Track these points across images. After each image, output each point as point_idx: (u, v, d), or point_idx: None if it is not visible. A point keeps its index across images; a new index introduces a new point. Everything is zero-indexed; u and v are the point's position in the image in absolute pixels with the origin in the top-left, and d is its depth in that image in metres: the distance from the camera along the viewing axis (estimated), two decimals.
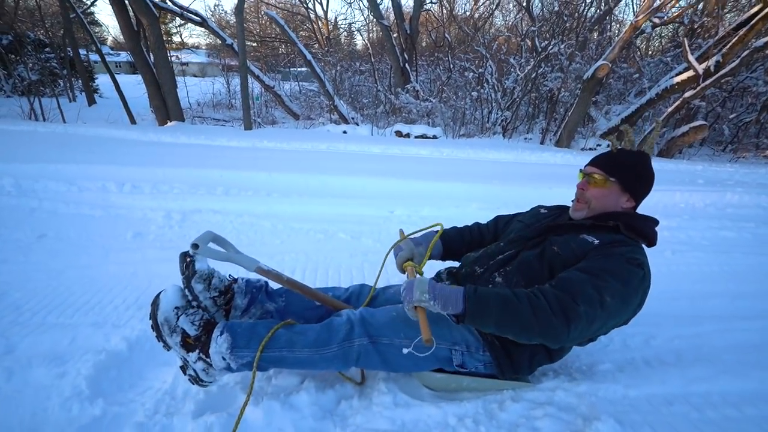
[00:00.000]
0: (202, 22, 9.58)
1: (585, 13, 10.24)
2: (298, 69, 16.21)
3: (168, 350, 1.19)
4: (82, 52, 13.89)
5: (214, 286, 1.25)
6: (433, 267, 1.73)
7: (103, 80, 14.14)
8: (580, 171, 1.30)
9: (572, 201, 1.31)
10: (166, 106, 8.58)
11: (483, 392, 1.24)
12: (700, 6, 9.49)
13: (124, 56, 19.98)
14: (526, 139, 9.99)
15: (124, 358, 1.44)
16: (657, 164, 1.47)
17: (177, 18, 11.95)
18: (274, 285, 1.40)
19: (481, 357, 1.21)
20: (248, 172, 4.05)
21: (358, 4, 19.56)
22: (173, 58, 12.09)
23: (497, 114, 10.05)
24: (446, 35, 12.62)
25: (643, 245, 1.19)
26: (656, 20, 8.14)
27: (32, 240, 2.43)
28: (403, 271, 1.37)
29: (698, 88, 7.43)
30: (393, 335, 1.16)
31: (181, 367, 1.20)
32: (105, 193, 3.33)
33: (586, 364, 1.40)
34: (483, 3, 16.77)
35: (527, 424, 1.13)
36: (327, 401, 1.23)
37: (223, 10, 20.21)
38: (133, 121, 9.11)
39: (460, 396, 1.24)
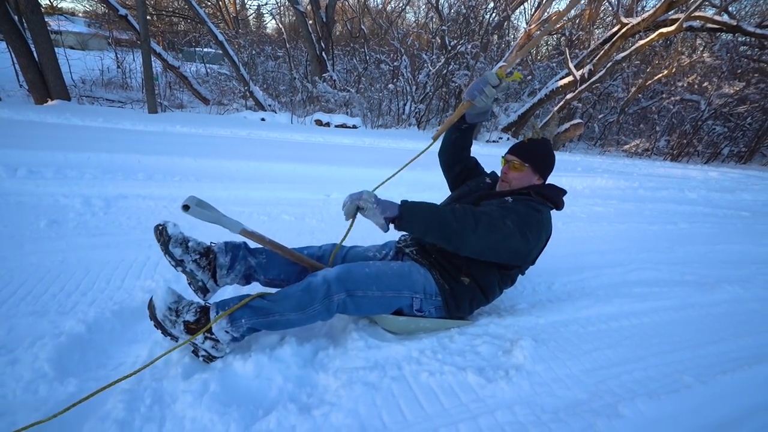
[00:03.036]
0: None
1: (488, 19, 11.31)
2: (204, 49, 14.97)
3: (176, 341, 1.29)
4: None
5: (192, 249, 1.32)
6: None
7: None
8: (502, 158, 1.66)
9: (500, 178, 1.68)
10: (45, 82, 7.35)
11: (435, 331, 1.53)
12: (577, 21, 11.20)
13: None
14: (438, 130, 10.77)
15: (85, 339, 1.42)
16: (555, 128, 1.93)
17: None
18: (252, 243, 1.50)
19: (433, 301, 1.50)
20: (169, 157, 3.81)
21: None
22: None
23: (411, 106, 10.65)
24: (362, 26, 12.83)
25: (552, 209, 1.58)
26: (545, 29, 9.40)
27: None
28: (348, 217, 1.37)
29: (576, 92, 8.83)
30: (366, 288, 1.38)
31: (193, 352, 1.31)
32: None
33: (508, 305, 1.79)
34: None
35: (471, 350, 1.44)
36: (306, 352, 1.40)
37: None
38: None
39: (418, 335, 1.51)
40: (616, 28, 8.66)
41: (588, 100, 11.32)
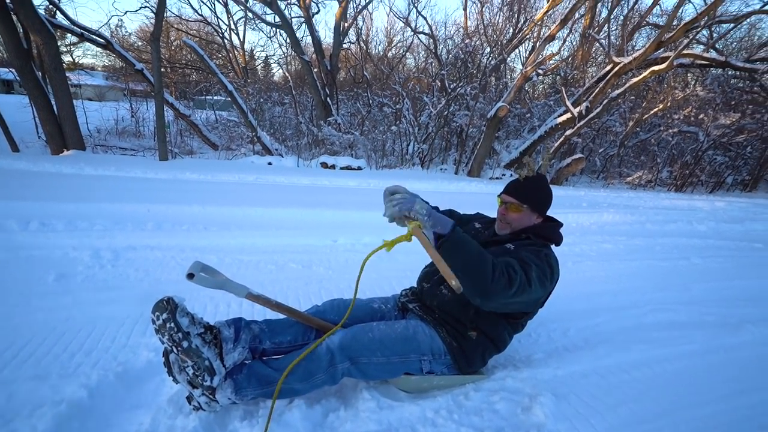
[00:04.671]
0: (107, 45, 8.90)
1: (485, 62, 11.81)
2: (214, 97, 15.67)
3: (176, 384, 1.27)
4: None
5: (197, 321, 1.29)
6: (394, 287, 1.94)
7: None
8: (498, 197, 1.62)
9: (497, 219, 1.62)
10: (62, 133, 7.66)
11: (449, 388, 1.47)
12: (571, 60, 11.64)
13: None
14: (441, 169, 10.93)
15: (86, 406, 1.37)
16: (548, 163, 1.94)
17: (69, 35, 10.85)
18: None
19: (443, 361, 1.45)
20: (178, 206, 3.88)
21: (277, 39, 19.75)
22: None
23: (415, 147, 10.89)
24: (364, 73, 13.42)
25: (552, 246, 1.54)
26: (540, 71, 9.76)
27: None
28: (392, 220, 1.28)
29: (575, 128, 9.01)
30: (371, 355, 1.35)
31: (187, 398, 1.28)
32: (6, 233, 2.93)
33: (524, 355, 1.72)
34: (395, 45, 18.29)
35: (489, 407, 1.37)
36: (316, 415, 1.33)
37: (126, 32, 18.75)
38: (15, 148, 7.91)
39: (432, 394, 1.44)
40: (609, 67, 8.97)
41: (587, 135, 11.52)
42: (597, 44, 11.78)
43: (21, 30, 7.19)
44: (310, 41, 11.96)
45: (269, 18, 13.23)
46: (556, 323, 2.00)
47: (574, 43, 13.50)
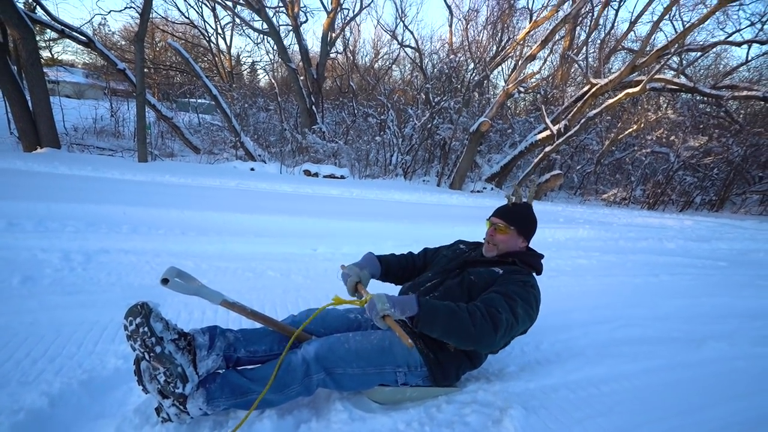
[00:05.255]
0: (89, 43, 8.71)
1: (469, 78, 12.09)
2: (198, 100, 15.48)
3: (146, 393, 1.24)
4: None
5: (172, 327, 1.27)
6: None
7: None
8: (487, 220, 1.71)
9: (484, 240, 1.71)
10: (36, 130, 7.41)
11: (422, 400, 1.48)
12: (551, 80, 12.04)
13: None
14: (424, 181, 11.06)
15: (46, 415, 1.31)
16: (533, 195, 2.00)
17: (49, 31, 10.57)
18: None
19: (419, 373, 1.46)
20: (155, 209, 3.79)
21: (264, 46, 19.73)
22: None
23: (398, 157, 11.00)
24: (350, 82, 13.53)
25: (534, 274, 1.63)
26: (521, 89, 10.07)
27: None
28: (353, 293, 1.59)
29: (554, 145, 9.29)
30: (346, 366, 1.35)
31: (156, 409, 1.24)
32: None
33: (497, 368, 1.75)
34: (382, 57, 18.53)
35: (460, 420, 1.39)
36: (287, 426, 1.32)
37: (109, 30, 18.39)
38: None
39: (404, 405, 1.45)
40: (586, 88, 9.34)
41: (566, 152, 11.89)
42: (576, 65, 12.25)
43: None
44: (298, 49, 12.02)
45: (257, 24, 13.22)
46: (529, 337, 2.02)
47: (554, 64, 14.00)
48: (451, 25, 13.84)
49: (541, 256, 1.69)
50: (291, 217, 4.13)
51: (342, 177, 9.44)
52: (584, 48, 11.52)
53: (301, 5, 11.96)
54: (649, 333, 2.29)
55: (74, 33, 8.54)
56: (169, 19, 16.72)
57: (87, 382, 1.47)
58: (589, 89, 9.18)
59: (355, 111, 12.45)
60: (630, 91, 8.35)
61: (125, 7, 12.55)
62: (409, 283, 1.74)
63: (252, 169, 8.77)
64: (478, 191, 9.97)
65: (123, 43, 17.61)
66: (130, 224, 3.28)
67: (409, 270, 1.84)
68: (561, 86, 11.86)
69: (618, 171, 12.44)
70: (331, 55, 13.42)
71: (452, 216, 5.47)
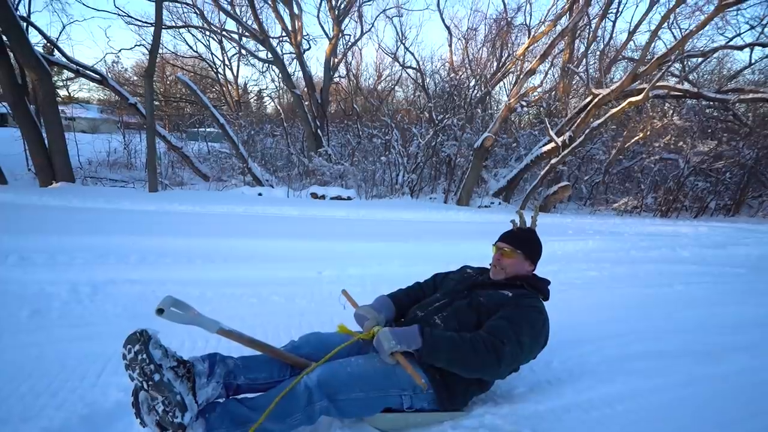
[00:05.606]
0: (102, 80, 9.09)
1: (470, 95, 12.24)
2: (207, 129, 15.91)
3: (144, 427, 1.21)
4: None
5: (170, 354, 1.25)
6: None
7: None
8: (494, 245, 1.73)
9: (490, 265, 1.73)
10: (52, 165, 7.67)
11: (427, 426, 1.43)
12: (553, 93, 12.12)
13: None
14: (431, 198, 11.06)
15: None
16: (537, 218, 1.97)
17: (65, 71, 11.06)
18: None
19: (425, 396, 1.42)
20: (163, 238, 3.85)
21: (270, 74, 20.35)
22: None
23: (404, 176, 11.05)
24: (354, 105, 13.79)
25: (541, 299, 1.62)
26: (523, 103, 10.13)
27: None
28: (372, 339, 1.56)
29: (560, 156, 9.25)
30: (349, 391, 1.32)
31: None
32: None
33: (505, 390, 1.69)
34: (384, 79, 18.90)
35: None
36: None
37: (122, 68, 19.23)
38: (3, 181, 7.88)
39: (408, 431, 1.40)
40: (589, 98, 9.35)
41: (573, 162, 11.82)
42: (577, 77, 12.32)
43: (17, 66, 7.33)
44: (302, 75, 12.37)
45: (262, 54, 13.68)
46: (540, 354, 1.97)
47: (556, 76, 14.12)
48: (450, 45, 14.13)
49: (548, 282, 1.69)
50: (297, 241, 4.15)
51: (349, 198, 9.50)
52: (584, 60, 11.61)
53: (304, 34, 12.37)
54: (665, 346, 2.20)
55: (88, 72, 8.94)
56: (179, 53, 17.41)
57: (87, 417, 1.46)
58: (592, 99, 9.19)
59: (360, 132, 12.63)
60: (633, 99, 8.34)
61: (135, 45, 13.13)
62: (419, 304, 1.73)
63: (260, 194, 8.89)
64: (485, 206, 9.92)
65: (135, 78, 18.31)
66: (139, 254, 3.32)
67: (420, 301, 1.83)
68: (563, 98, 11.91)
69: (627, 179, 12.29)
70: (334, 79, 13.74)
71: (460, 233, 5.44)
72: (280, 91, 19.03)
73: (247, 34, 11.93)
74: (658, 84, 8.42)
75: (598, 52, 12.42)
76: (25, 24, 8.41)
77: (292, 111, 15.60)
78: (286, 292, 2.77)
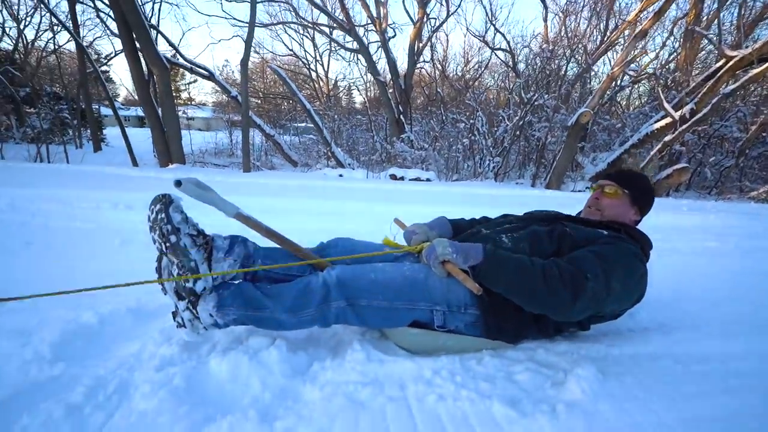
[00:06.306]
0: (210, 76, 10.26)
1: (565, 69, 11.05)
2: (299, 124, 17.06)
3: (165, 294, 1.23)
4: (95, 106, 14.63)
5: (192, 223, 1.22)
6: None
7: (111, 133, 14.70)
8: (592, 187, 1.41)
9: (585, 207, 1.41)
10: (169, 150, 8.89)
11: (460, 352, 1.20)
12: (670, 66, 10.31)
13: (134, 111, 21.12)
14: (517, 183, 10.27)
15: (94, 331, 1.40)
16: None
17: (186, 75, 12.80)
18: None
19: (461, 317, 1.19)
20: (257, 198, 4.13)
21: (357, 65, 21.05)
22: (180, 113, 12.73)
23: (489, 160, 10.42)
24: (438, 90, 13.46)
25: None
26: (632, 73, 8.77)
27: (19, 247, 2.43)
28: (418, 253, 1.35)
29: (676, 133, 7.81)
30: (371, 298, 1.15)
31: (173, 313, 1.23)
32: (98, 211, 3.38)
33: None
34: (473, 66, 18.14)
35: (506, 377, 1.08)
36: (299, 362, 1.18)
37: (230, 70, 21.75)
38: (135, 163, 9.40)
39: (438, 353, 1.19)
40: (720, 63, 7.70)
41: (695, 144, 9.93)
42: (705, 42, 10.29)
43: (144, 64, 8.64)
44: (387, 64, 12.45)
45: (349, 45, 14.12)
46: None
47: (677, 46, 11.97)
48: (545, 20, 12.93)
49: (651, 244, 1.29)
50: (373, 204, 4.08)
51: (428, 180, 9.28)
52: (717, 18, 9.61)
53: (390, 22, 12.45)
54: None
55: (200, 69, 10.17)
56: (276, 54, 18.96)
57: (134, 310, 1.55)
58: (725, 64, 7.54)
59: (444, 118, 12.28)
60: None
61: (232, 37, 14.64)
62: (484, 224, 1.47)
63: (340, 175, 9.17)
64: (579, 190, 8.86)
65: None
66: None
67: None
68: (685, 67, 10.04)
69: None
70: (418, 65, 13.60)
71: (551, 204, 4.87)
72: (367, 84, 19.54)
73: (335, 25, 12.41)
74: None
75: (736, 8, 10.16)
76: (154, 31, 9.91)
77: (377, 100, 15.90)
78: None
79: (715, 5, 10.26)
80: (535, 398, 0.98)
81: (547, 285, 1.04)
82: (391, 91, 12.12)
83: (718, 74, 7.57)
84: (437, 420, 0.91)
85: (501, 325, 1.19)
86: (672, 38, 12.18)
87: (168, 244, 1.15)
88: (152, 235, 1.20)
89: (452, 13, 12.99)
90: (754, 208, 5.74)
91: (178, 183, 1.17)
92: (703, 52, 11.31)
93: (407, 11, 23.94)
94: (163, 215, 1.16)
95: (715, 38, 8.95)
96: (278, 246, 1.31)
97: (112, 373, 1.10)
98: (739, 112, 9.49)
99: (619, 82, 11.91)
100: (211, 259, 1.21)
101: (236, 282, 1.26)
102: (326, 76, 18.63)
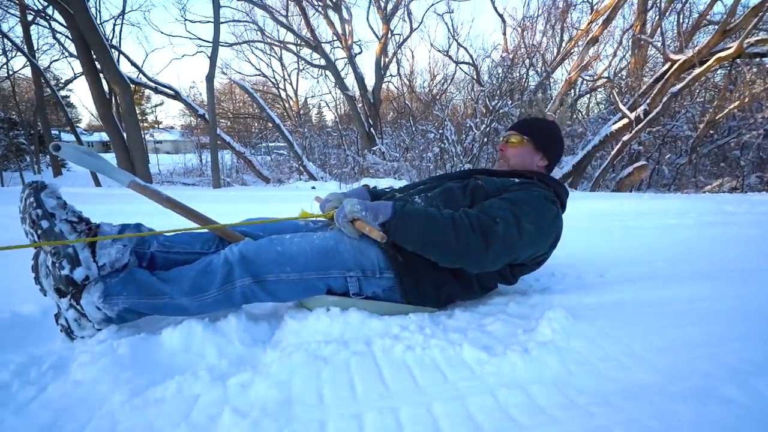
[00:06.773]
0: (176, 95, 10.07)
1: (527, 76, 11.52)
2: (271, 143, 16.93)
3: (45, 295, 1.06)
4: (55, 132, 14.05)
5: (70, 209, 1.05)
6: None
7: None
8: (502, 138, 1.41)
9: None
10: (134, 170, 8.57)
11: (386, 315, 1.13)
12: (622, 73, 10.95)
13: (98, 136, 20.42)
14: None
15: (35, 321, 1.26)
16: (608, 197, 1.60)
17: (153, 97, 12.53)
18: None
19: (377, 282, 1.13)
20: (227, 204, 3.99)
21: (325, 80, 21.24)
22: (147, 136, 12.40)
23: (460, 167, 10.62)
24: (407, 103, 13.71)
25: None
26: (588, 79, 9.25)
27: None
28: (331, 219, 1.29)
29: (633, 132, 8.23)
30: (279, 271, 1.07)
31: (55, 315, 1.06)
32: None
33: (537, 288, 1.35)
34: (438, 82, 18.66)
35: (478, 327, 1.05)
36: (260, 330, 1.10)
37: (198, 92, 21.50)
38: (98, 184, 8.99)
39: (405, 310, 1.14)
40: (666, 66, 8.25)
41: (652, 144, 10.49)
42: (653, 49, 11.03)
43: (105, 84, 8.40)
44: (354, 79, 12.63)
45: (317, 62, 14.26)
46: (590, 267, 1.58)
47: (627, 56, 12.76)
48: (504, 33, 13.52)
49: (566, 191, 1.30)
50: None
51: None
52: (659, 28, 10.34)
53: (355, 39, 12.70)
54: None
55: (164, 88, 9.98)
56: (244, 74, 18.91)
57: None
58: (670, 67, 8.09)
59: (413, 129, 12.48)
60: (721, 55, 7.14)
61: (196, 52, 14.57)
62: (398, 188, 1.44)
63: (313, 188, 9.09)
64: None
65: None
66: None
67: None
68: (636, 72, 10.68)
69: (722, 159, 10.58)
70: (386, 79, 13.86)
71: None
72: (337, 101, 19.72)
73: (301, 43, 12.53)
74: (755, 39, 7.15)
75: (675, 18, 10.98)
76: (116, 52, 9.69)
77: (348, 115, 16.03)
78: None
79: (657, 16, 11.08)
80: (507, 343, 0.95)
81: (457, 234, 1.02)
82: (360, 105, 12.26)
83: (666, 76, 8.10)
84: (403, 367, 0.86)
85: (419, 287, 1.14)
86: (622, 48, 12.99)
87: (40, 231, 0.98)
88: (23, 228, 1.01)
89: (415, 29, 13.40)
90: (708, 197, 6.06)
91: (56, 147, 1.07)
92: (651, 58, 12.09)
93: (371, 27, 24.64)
94: (32, 200, 0.99)
95: (660, 45, 9.61)
96: (181, 228, 1.16)
97: (49, 352, 0.99)
98: (688, 112, 10.13)
99: (578, 90, 12.55)
100: (96, 247, 1.05)
101: (127, 270, 1.10)
102: (296, 95, 18.70)
